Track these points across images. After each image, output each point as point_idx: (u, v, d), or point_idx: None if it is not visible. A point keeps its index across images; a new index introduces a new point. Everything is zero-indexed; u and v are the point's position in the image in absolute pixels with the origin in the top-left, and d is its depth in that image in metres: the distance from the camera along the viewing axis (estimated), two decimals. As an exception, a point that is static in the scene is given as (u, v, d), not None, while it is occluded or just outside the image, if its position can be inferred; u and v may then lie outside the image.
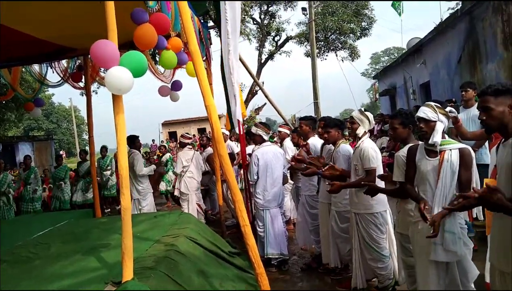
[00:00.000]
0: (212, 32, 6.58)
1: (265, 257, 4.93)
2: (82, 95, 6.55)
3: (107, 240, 4.06)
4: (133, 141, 6.61)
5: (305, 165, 4.59)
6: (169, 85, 6.28)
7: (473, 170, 2.80)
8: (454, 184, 2.72)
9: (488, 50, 7.23)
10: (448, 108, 2.88)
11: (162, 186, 10.13)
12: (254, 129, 5.34)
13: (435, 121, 2.77)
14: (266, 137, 5.21)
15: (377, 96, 18.25)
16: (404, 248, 3.24)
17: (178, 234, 4.05)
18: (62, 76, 6.40)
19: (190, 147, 7.34)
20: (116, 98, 2.69)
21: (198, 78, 3.02)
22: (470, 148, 2.80)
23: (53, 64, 6.27)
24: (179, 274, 3.14)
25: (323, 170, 4.16)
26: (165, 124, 35.76)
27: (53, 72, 6.30)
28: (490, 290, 2.33)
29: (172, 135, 33.36)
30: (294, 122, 19.70)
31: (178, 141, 7.64)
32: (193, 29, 3.13)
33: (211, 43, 6.60)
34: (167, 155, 10.75)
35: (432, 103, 2.85)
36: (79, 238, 4.39)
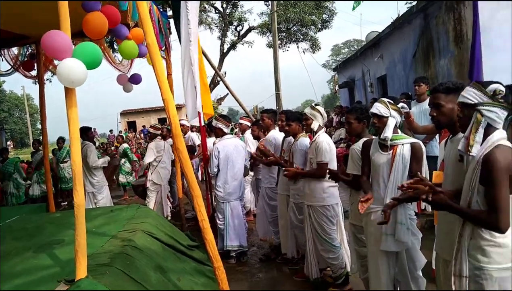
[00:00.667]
0: (172, 22, 6.42)
1: (225, 249, 4.96)
2: (35, 83, 6.22)
3: (61, 236, 3.92)
4: (85, 133, 6.42)
5: (266, 157, 4.64)
6: (128, 75, 6.12)
7: (424, 163, 2.93)
8: (405, 176, 2.84)
9: (440, 47, 7.54)
10: (400, 104, 2.99)
11: (123, 178, 9.91)
12: (214, 122, 5.32)
13: (388, 117, 2.88)
14: (226, 130, 5.20)
15: (336, 89, 18.62)
16: (357, 239, 3.36)
17: (135, 229, 3.97)
18: (12, 64, 6.05)
19: (160, 137, 7.24)
20: (68, 91, 2.58)
21: (155, 71, 2.95)
22: (421, 143, 2.93)
23: (2, 51, 5.92)
24: (135, 270, 3.09)
25: (285, 169, 4.20)
26: (124, 113, 34.77)
27: (2, 60, 5.94)
28: (434, 277, 2.47)
29: (131, 125, 32.54)
30: (256, 113, 19.76)
31: (147, 133, 7.50)
32: (150, 20, 3.05)
33: (170, 33, 6.48)
34: (124, 145, 10.49)
35: (385, 100, 2.95)
36: (31, 234, 4.21)
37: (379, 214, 2.83)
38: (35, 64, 6.17)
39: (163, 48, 6.16)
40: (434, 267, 2.58)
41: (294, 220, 4.33)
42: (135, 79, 5.94)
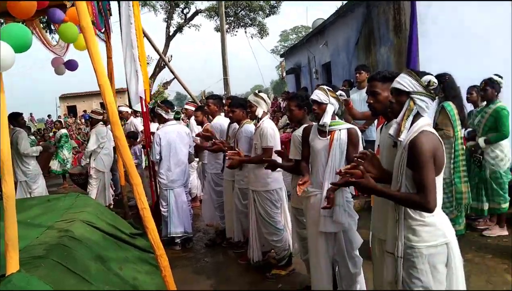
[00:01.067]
0: (113, 3, 6.14)
1: (169, 236, 4.92)
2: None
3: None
4: (15, 119, 6.04)
5: (211, 142, 4.62)
6: (64, 58, 5.80)
7: (360, 148, 3.05)
8: (342, 161, 2.95)
9: (381, 35, 7.81)
10: (338, 92, 3.08)
11: (54, 165, 9.42)
12: (156, 109, 5.22)
13: (327, 103, 2.96)
14: (167, 116, 5.09)
15: (284, 75, 18.81)
16: (298, 221, 3.47)
17: (73, 219, 3.84)
18: None
19: (102, 123, 6.95)
20: (-5, 76, 2.40)
21: (90, 56, 2.81)
22: (357, 128, 3.05)
23: None
24: (73, 261, 2.99)
25: (228, 153, 4.21)
26: (63, 97, 33.00)
27: None
28: (371, 255, 2.60)
29: (72, 110, 31.01)
30: (204, 98, 19.52)
31: (89, 118, 7.15)
32: (84, 3, 2.88)
33: (110, 14, 6.20)
34: (62, 131, 9.98)
35: (325, 87, 3.03)
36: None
37: (319, 197, 2.93)
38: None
39: (103, 30, 5.90)
40: (370, 246, 2.73)
41: (239, 206, 4.38)
42: (71, 65, 5.66)
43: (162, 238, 4.80)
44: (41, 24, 7.16)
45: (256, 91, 4.03)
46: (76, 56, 5.67)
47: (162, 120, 5.15)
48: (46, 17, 5.44)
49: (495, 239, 4.47)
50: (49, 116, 25.77)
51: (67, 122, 19.02)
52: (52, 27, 9.09)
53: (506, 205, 4.51)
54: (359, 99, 5.61)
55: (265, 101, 3.95)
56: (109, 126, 6.83)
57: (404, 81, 2.08)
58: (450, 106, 4.20)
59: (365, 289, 3.17)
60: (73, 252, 3.13)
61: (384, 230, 2.27)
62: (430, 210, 1.95)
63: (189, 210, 5.19)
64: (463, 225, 4.40)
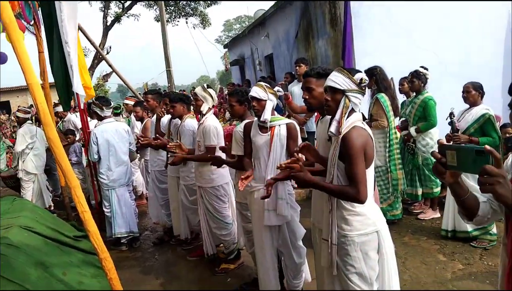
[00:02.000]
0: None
1: (114, 236, 4.82)
2: None
3: None
4: None
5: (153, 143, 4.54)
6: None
7: (299, 140, 3.17)
8: (283, 155, 3.05)
9: (318, 28, 8.04)
10: (276, 88, 3.17)
11: None
12: (91, 106, 5.03)
13: (266, 100, 3.03)
14: (102, 114, 4.93)
15: (227, 66, 18.76)
16: (243, 215, 3.53)
17: (10, 224, 3.66)
18: None
19: (31, 121, 6.56)
20: None
21: (16, 54, 2.66)
22: (295, 123, 3.15)
23: None
24: (11, 270, 2.87)
25: (170, 145, 4.18)
26: (-6, 93, 30.70)
27: None
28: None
29: (4, 106, 28.90)
30: (146, 90, 18.99)
31: (14, 115, 6.69)
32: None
33: (39, 6, 5.85)
34: None
35: (262, 84, 3.11)
36: None
37: (262, 192, 3.01)
38: None
39: (32, 23, 5.57)
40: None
41: (186, 202, 4.37)
42: (1, 59, 5.30)
43: (107, 238, 4.71)
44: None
45: (205, 85, 4.01)
46: (6, 48, 5.30)
47: (99, 118, 4.98)
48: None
49: (429, 221, 4.81)
50: (-23, 113, 23.83)
51: (0, 120, 17.67)
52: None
53: (438, 189, 4.86)
54: (299, 92, 5.77)
55: (212, 97, 3.94)
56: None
57: (338, 80, 2.16)
58: (384, 97, 4.45)
59: (309, 277, 3.32)
60: (10, 260, 2.99)
61: (322, 220, 2.40)
62: (361, 201, 2.08)
63: (133, 209, 5.10)
64: (400, 209, 4.71)
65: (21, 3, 5.02)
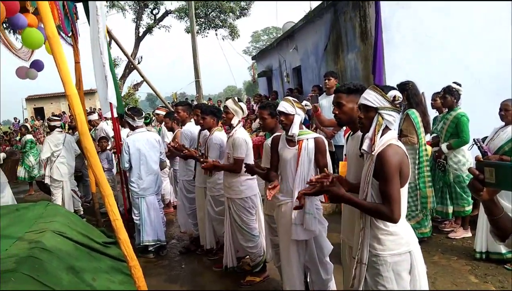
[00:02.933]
0: (79, 6, 6.04)
1: (142, 244, 4.90)
2: None
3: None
4: None
5: (182, 153, 4.62)
6: (28, 64, 5.67)
7: (328, 155, 3.16)
8: (311, 169, 3.05)
9: (348, 42, 8.02)
10: (303, 102, 3.20)
11: (21, 172, 9.14)
12: (124, 117, 5.17)
13: (294, 114, 3.06)
14: (134, 124, 5.04)
15: (255, 77, 18.91)
16: (272, 228, 3.53)
17: (44, 229, 3.78)
18: None
19: (60, 129, 6.78)
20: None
21: (57, 66, 2.79)
22: (323, 137, 3.16)
23: None
24: (45, 273, 2.95)
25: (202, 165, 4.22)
26: (30, 99, 31.96)
27: None
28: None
29: (39, 112, 30.07)
30: (175, 100, 19.38)
31: (46, 123, 6.95)
32: (49, 10, 2.85)
33: (77, 18, 6.10)
34: (27, 137, 9.71)
35: (290, 98, 3.15)
36: None
37: (289, 206, 3.02)
38: None
39: (70, 34, 5.81)
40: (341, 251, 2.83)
41: (212, 213, 4.41)
42: (37, 66, 5.52)
43: (136, 246, 4.79)
44: (3, 25, 6.96)
45: (236, 99, 4.06)
46: (42, 55, 5.54)
47: (131, 128, 5.11)
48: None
49: (460, 241, 4.65)
50: (15, 119, 24.88)
51: (35, 125, 18.39)
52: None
53: (469, 208, 4.70)
54: (328, 105, 5.75)
55: (242, 110, 3.97)
56: (68, 134, 6.73)
57: (371, 98, 2.17)
58: (414, 113, 4.38)
59: (336, 293, 3.28)
60: (44, 264, 3.08)
61: (353, 237, 2.37)
62: (395, 220, 2.05)
63: (162, 218, 5.18)
64: (429, 227, 4.59)
65: (61, 16, 5.24)
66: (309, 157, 3.02)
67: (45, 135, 14.22)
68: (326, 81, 6.09)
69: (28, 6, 4.01)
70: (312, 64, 10.43)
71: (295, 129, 3.02)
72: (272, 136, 3.34)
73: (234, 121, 3.98)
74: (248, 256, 4.15)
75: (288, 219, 3.01)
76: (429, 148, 4.78)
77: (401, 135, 4.44)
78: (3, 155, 6.29)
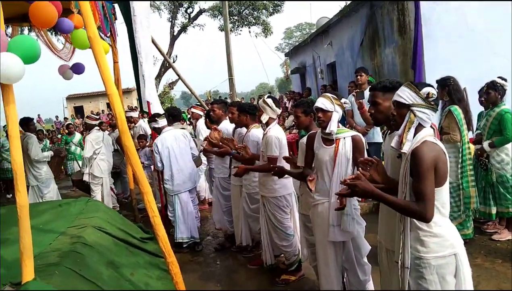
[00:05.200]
0: (117, 6, 6.19)
1: (176, 241, 4.98)
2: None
3: (5, 235, 3.75)
4: (26, 124, 6.13)
5: (217, 148, 4.66)
6: (69, 64, 5.86)
7: (365, 154, 3.07)
8: (349, 169, 2.97)
9: (386, 36, 7.82)
10: (342, 100, 3.11)
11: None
12: (151, 125, 5.26)
13: (332, 111, 2.98)
14: (158, 125, 5.14)
15: (288, 74, 18.81)
16: (307, 228, 3.49)
17: (85, 224, 3.90)
18: None
19: (98, 128, 7.00)
20: (5, 88, 2.46)
21: (99, 67, 2.87)
22: (361, 135, 3.07)
23: None
24: (86, 268, 3.05)
25: (237, 146, 4.26)
26: (70, 98, 33.20)
27: None
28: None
29: (79, 111, 31.18)
30: (209, 98, 19.60)
31: (84, 122, 7.20)
32: (91, 12, 2.93)
33: (115, 18, 6.26)
34: (78, 136, 10.12)
35: (329, 95, 3.06)
36: (-29, 233, 4.01)
37: (326, 206, 2.96)
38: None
39: (108, 35, 5.96)
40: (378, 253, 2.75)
41: (247, 210, 4.41)
42: (78, 69, 5.70)
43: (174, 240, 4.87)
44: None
45: (265, 97, 4.03)
46: (81, 58, 5.72)
47: (158, 131, 5.19)
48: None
49: (505, 243, 4.43)
50: (56, 117, 25.93)
51: (75, 124, 19.10)
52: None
53: (514, 209, 4.48)
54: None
55: (270, 107, 3.92)
56: (107, 132, 6.93)
57: (404, 94, 2.12)
58: (457, 110, 4.20)
59: (374, 294, 3.20)
60: (85, 258, 3.18)
61: (391, 240, 2.30)
62: (427, 220, 1.97)
63: (196, 215, 5.24)
64: (471, 228, 4.39)
65: (100, 17, 5.38)
66: (347, 156, 2.95)
67: (86, 134, 14.73)
68: (358, 77, 5.97)
69: (73, 8, 4.13)
70: (347, 59, 10.26)
71: (333, 127, 2.95)
72: (308, 134, 3.29)
73: (264, 118, 3.94)
74: (282, 255, 4.12)
75: (325, 219, 2.95)
76: (471, 146, 4.58)
77: (441, 133, 4.27)
78: (51, 153, 6.55)
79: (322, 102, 3.00)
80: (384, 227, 2.47)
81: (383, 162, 2.56)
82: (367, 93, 5.71)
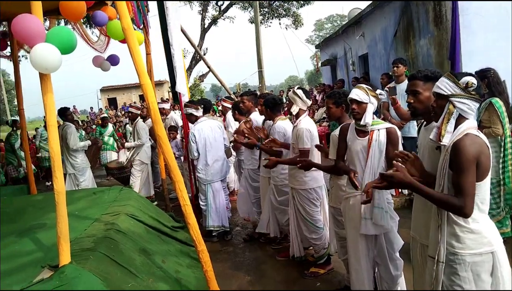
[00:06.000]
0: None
1: (206, 229, 5.05)
2: (11, 60, 6.07)
3: (43, 220, 3.91)
4: (63, 113, 6.33)
5: (246, 139, 4.66)
6: (104, 56, 6.00)
7: (399, 147, 3.00)
8: (382, 161, 2.91)
9: (420, 27, 7.57)
10: (378, 91, 3.02)
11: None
12: (185, 110, 5.30)
13: (367, 103, 2.91)
14: (197, 114, 5.18)
15: (318, 66, 18.57)
16: (337, 221, 3.44)
17: (118, 212, 3.99)
18: (-16, 42, 5.84)
19: (141, 118, 7.21)
20: (43, 77, 2.54)
21: (132, 57, 2.91)
22: (396, 128, 2.98)
23: (-28, 29, 5.69)
24: (119, 254, 3.12)
25: (264, 142, 4.25)
26: (104, 90, 34.09)
27: (-27, 38, 5.73)
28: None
29: (112, 102, 31.97)
30: (239, 90, 19.64)
31: (128, 112, 7.40)
32: (125, 3, 2.97)
33: (148, 11, 6.33)
34: (110, 127, 10.42)
35: (364, 86, 2.98)
36: (12, 218, 4.18)
37: (358, 199, 2.91)
38: (8, 43, 5.96)
39: (141, 27, 6.05)
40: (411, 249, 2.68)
41: (274, 202, 4.41)
42: (113, 60, 5.82)
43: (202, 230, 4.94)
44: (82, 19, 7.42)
45: (295, 88, 3.99)
46: (115, 50, 5.85)
47: (194, 119, 5.23)
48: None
49: (547, 242, 4.24)
50: (91, 108, 26.69)
51: (109, 115, 19.63)
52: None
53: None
54: (397, 94, 5.48)
55: (301, 98, 3.85)
56: (147, 121, 7.11)
57: (443, 85, 2.05)
58: (499, 103, 4.02)
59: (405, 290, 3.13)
60: (119, 245, 3.26)
61: (425, 235, 2.24)
62: (466, 214, 1.91)
63: (226, 204, 5.29)
64: (510, 227, 4.22)
65: (134, 9, 5.46)
66: (380, 148, 2.88)
67: (118, 125, 15.06)
68: (395, 68, 5.80)
69: (107, 0, 4.22)
70: (380, 51, 10.02)
71: (368, 119, 2.88)
72: (340, 125, 3.23)
73: (294, 110, 3.89)
74: (311, 247, 4.10)
75: (357, 212, 2.90)
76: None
77: (480, 126, 4.10)
78: (88, 142, 6.78)
79: (357, 93, 2.92)
80: (419, 222, 2.41)
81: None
82: (399, 88, 5.57)
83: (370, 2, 10.18)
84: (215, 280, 3.20)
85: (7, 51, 6.24)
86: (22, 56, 11.78)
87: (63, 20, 9.83)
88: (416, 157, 2.27)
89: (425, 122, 2.46)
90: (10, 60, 6.26)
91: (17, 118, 8.00)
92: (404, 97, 5.23)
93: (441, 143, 2.02)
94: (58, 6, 3.26)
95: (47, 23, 6.32)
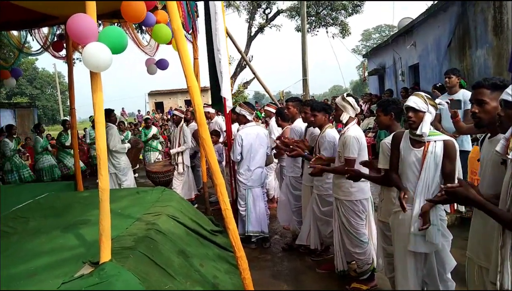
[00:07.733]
0: (200, 4, 6.36)
1: (246, 234, 4.98)
2: (65, 62, 6.41)
3: (87, 216, 4.00)
4: (108, 115, 6.50)
5: (290, 146, 4.56)
6: (155, 57, 6.14)
7: (457, 162, 2.79)
8: (437, 175, 2.71)
9: (478, 36, 7.18)
10: (437, 100, 2.84)
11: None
12: (238, 109, 5.26)
13: (425, 112, 2.74)
14: (249, 118, 5.14)
15: (365, 76, 18.17)
16: (385, 236, 3.24)
17: (160, 212, 4.01)
18: (42, 44, 6.16)
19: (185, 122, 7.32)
20: (93, 76, 2.58)
21: (181, 59, 2.91)
22: (454, 141, 2.78)
23: (33, 31, 6.02)
24: (158, 254, 3.12)
25: (311, 162, 4.07)
26: (152, 94, 35.17)
27: (33, 40, 6.07)
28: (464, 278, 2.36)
29: (159, 106, 32.88)
30: (282, 98, 19.59)
31: (173, 115, 7.53)
32: (176, 6, 3.00)
33: (197, 16, 6.42)
34: (154, 129, 10.65)
35: (423, 94, 2.81)
36: (59, 212, 4.32)
37: (409, 213, 2.72)
38: (64, 45, 6.24)
39: (190, 32, 6.13)
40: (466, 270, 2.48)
41: (317, 212, 4.26)
42: (162, 64, 5.94)
43: (239, 236, 4.86)
44: (133, 25, 7.66)
45: (345, 95, 3.84)
46: (164, 55, 5.99)
47: (244, 121, 5.21)
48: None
49: None
50: (138, 111, 27.61)
51: (155, 118, 20.19)
52: (143, 28, 9.73)
53: None
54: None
55: (352, 106, 3.72)
56: (193, 123, 7.19)
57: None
58: None
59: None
60: (158, 245, 3.26)
61: (484, 257, 2.05)
62: None
63: (266, 211, 5.21)
64: None
65: (184, 14, 5.55)
66: (436, 161, 2.68)
67: (164, 128, 15.43)
68: (447, 79, 5.50)
69: (157, 4, 4.31)
70: (432, 61, 9.62)
71: (425, 129, 2.70)
72: (394, 133, 3.05)
73: (344, 118, 3.75)
74: (354, 262, 3.91)
75: (407, 227, 2.72)
76: None
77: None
78: (128, 145, 6.95)
79: (415, 101, 2.75)
80: (476, 241, 2.20)
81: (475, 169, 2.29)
82: (457, 96, 5.28)
83: (424, 10, 9.83)
84: (253, 287, 3.11)
85: (63, 53, 6.54)
86: (77, 58, 12.34)
87: (116, 23, 10.25)
88: (462, 182, 2.08)
89: (489, 134, 2.26)
90: (65, 62, 6.56)
91: (68, 118, 8.36)
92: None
93: (509, 157, 1.83)
94: (114, 10, 3.37)
95: (101, 27, 6.58)
